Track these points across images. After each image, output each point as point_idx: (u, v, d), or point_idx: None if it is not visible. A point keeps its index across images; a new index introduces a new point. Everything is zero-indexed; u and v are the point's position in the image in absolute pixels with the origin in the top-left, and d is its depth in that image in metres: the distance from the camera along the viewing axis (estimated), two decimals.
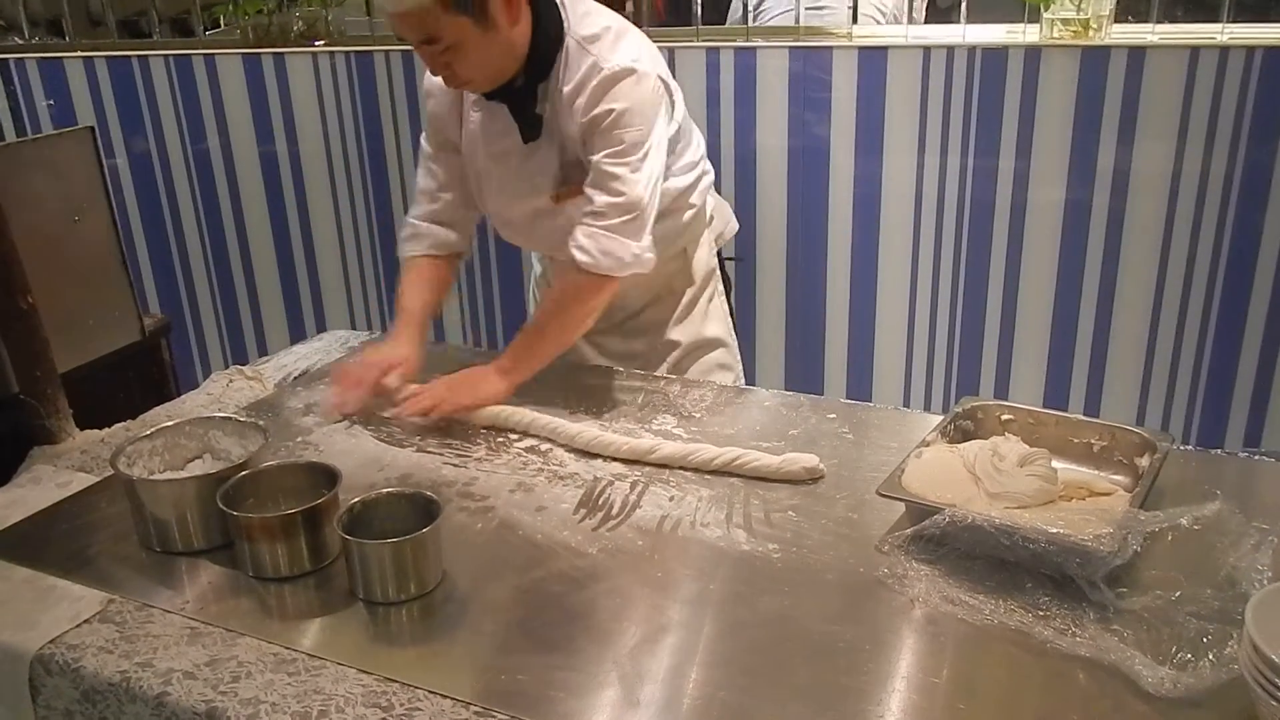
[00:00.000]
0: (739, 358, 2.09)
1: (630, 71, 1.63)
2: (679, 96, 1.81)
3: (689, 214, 1.90)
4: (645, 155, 1.65)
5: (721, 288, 2.06)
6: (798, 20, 2.80)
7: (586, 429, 1.56)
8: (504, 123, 1.73)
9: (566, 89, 1.65)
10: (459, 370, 1.70)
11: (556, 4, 1.67)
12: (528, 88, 1.68)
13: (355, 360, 1.80)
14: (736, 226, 2.14)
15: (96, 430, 1.71)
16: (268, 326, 3.49)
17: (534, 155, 1.73)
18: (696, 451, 1.48)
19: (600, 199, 1.65)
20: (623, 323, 1.97)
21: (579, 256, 1.66)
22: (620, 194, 1.64)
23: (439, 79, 1.77)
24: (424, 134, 1.89)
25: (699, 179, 1.90)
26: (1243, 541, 1.21)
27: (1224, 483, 1.38)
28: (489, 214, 1.88)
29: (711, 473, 1.47)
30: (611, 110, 1.62)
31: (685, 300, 1.97)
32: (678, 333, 1.97)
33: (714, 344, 2.01)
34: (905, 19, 2.73)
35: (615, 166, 1.64)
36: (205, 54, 3.20)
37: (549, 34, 1.65)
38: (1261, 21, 2.55)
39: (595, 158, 1.65)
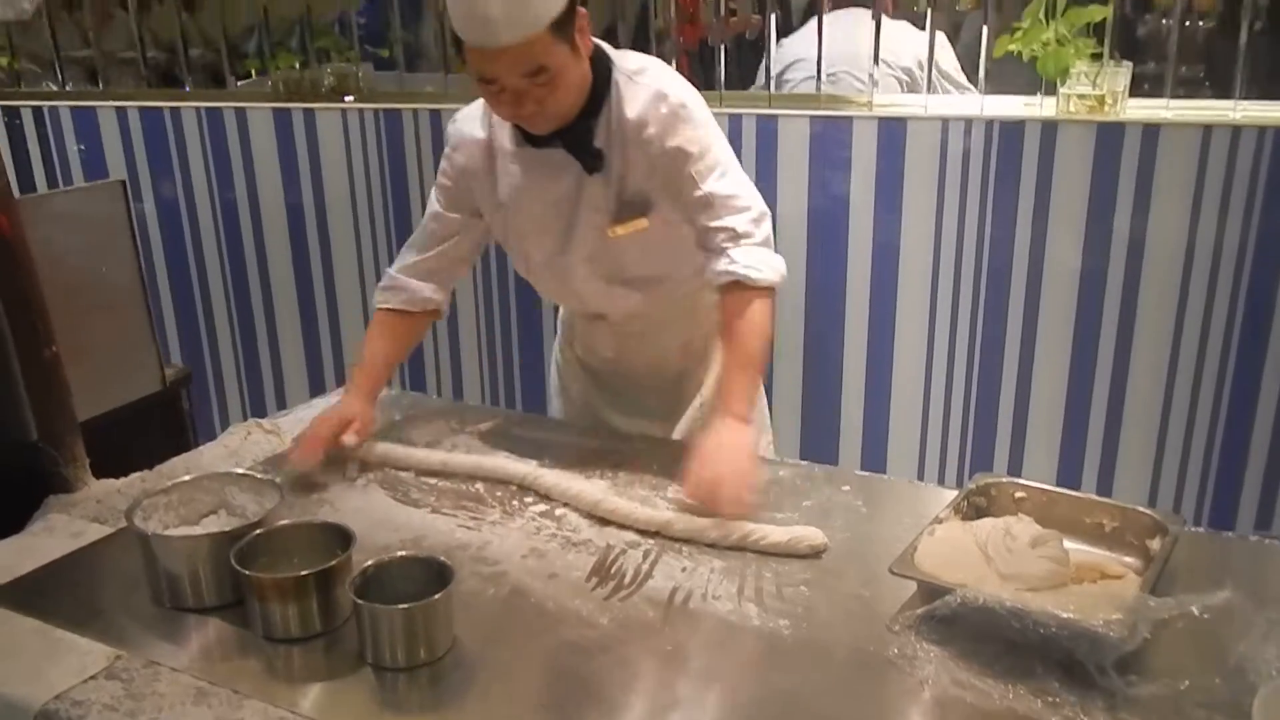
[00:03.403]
0: (769, 423, 2.05)
1: (691, 98, 1.67)
2: None
3: None
4: (738, 168, 1.70)
5: None
6: (819, 82, 2.81)
7: (591, 490, 1.56)
8: (553, 165, 1.72)
9: (631, 119, 1.65)
10: (706, 446, 1.56)
11: (597, 45, 1.70)
12: (582, 123, 1.68)
13: (315, 418, 1.76)
14: None
15: (113, 480, 1.72)
16: (287, 379, 3.52)
17: (589, 192, 1.72)
18: (705, 530, 1.47)
19: (737, 222, 1.65)
20: (659, 387, 1.95)
21: (750, 274, 1.63)
22: (746, 208, 1.66)
23: (471, 133, 1.79)
24: (434, 191, 1.87)
25: None
26: (1252, 630, 1.20)
27: (1234, 567, 1.38)
28: (534, 267, 1.85)
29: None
30: (693, 139, 1.65)
31: (717, 355, 1.91)
32: (711, 391, 1.92)
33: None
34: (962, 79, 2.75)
35: (729, 187, 1.66)
36: (236, 106, 3.27)
37: (601, 69, 1.68)
38: (1274, 99, 2.56)
39: (704, 188, 1.65)
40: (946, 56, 2.86)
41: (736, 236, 1.66)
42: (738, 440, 1.56)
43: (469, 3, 1.50)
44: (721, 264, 1.66)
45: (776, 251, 1.71)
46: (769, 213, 1.70)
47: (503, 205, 1.79)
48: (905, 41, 2.82)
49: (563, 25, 1.54)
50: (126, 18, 3.41)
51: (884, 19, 2.73)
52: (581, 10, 1.60)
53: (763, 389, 1.99)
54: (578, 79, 1.62)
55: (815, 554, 1.44)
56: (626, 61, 1.71)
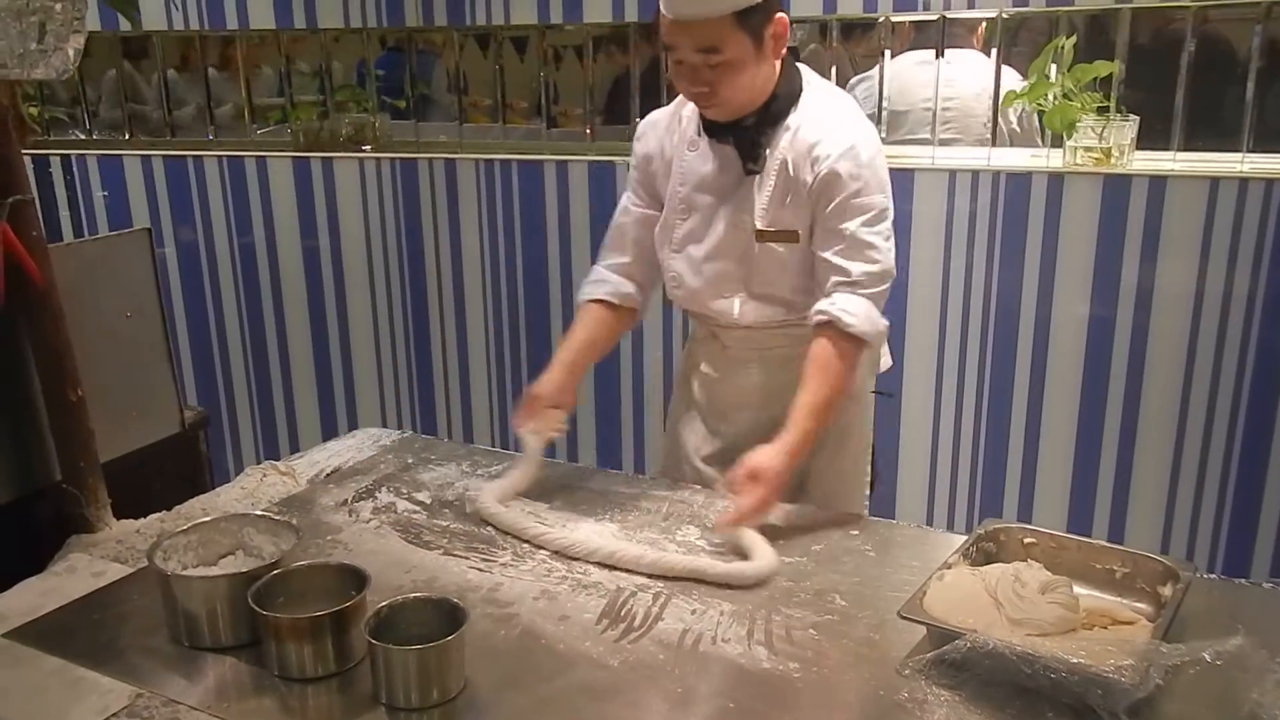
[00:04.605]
0: (867, 478, 2.00)
1: (874, 140, 1.71)
2: None
3: None
4: (890, 225, 1.71)
5: (871, 416, 1.99)
6: (881, 104, 2.79)
7: (600, 540, 1.58)
8: (722, 160, 1.77)
9: (809, 139, 1.70)
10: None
11: (796, 64, 1.76)
12: (759, 128, 1.73)
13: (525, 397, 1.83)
14: (890, 363, 2.07)
15: (133, 520, 1.75)
16: (301, 421, 3.56)
17: (746, 194, 1.75)
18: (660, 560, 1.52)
19: (857, 268, 1.68)
20: (758, 429, 1.86)
21: (844, 319, 1.66)
22: (876, 261, 1.68)
23: (654, 120, 1.87)
24: (627, 193, 1.93)
25: None
26: (1265, 678, 1.21)
27: (1247, 614, 1.37)
28: (676, 259, 1.85)
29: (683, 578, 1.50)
30: (858, 175, 1.66)
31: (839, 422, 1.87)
32: (818, 457, 1.86)
33: (855, 474, 1.95)
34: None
35: (870, 234, 1.68)
36: (257, 156, 3.34)
37: (791, 84, 1.73)
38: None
39: (848, 226, 1.67)
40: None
41: (850, 283, 1.68)
42: (776, 470, 1.60)
43: None
44: (823, 303, 1.69)
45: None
46: (894, 276, 1.72)
47: (674, 188, 1.84)
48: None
49: (749, 17, 1.61)
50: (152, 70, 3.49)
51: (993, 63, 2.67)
52: (781, 16, 1.66)
53: (864, 473, 1.97)
54: (756, 77, 1.67)
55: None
56: (824, 89, 1.77)
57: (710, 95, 1.67)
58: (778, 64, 1.71)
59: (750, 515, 1.58)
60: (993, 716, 1.18)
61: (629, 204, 1.93)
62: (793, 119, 1.73)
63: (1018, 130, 2.76)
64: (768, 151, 1.73)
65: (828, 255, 1.70)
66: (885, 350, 2.03)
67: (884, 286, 1.71)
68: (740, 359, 1.91)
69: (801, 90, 1.75)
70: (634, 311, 1.94)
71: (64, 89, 3.59)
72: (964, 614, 1.30)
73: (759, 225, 1.75)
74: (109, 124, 3.60)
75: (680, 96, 1.82)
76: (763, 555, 1.53)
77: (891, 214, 1.72)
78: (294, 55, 3.37)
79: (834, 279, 1.69)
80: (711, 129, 1.78)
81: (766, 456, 1.60)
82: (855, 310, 1.66)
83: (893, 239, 1.71)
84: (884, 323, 1.71)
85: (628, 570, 1.52)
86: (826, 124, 1.70)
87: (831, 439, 1.88)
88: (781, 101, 1.73)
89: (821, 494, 1.90)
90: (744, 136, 1.74)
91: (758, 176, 1.74)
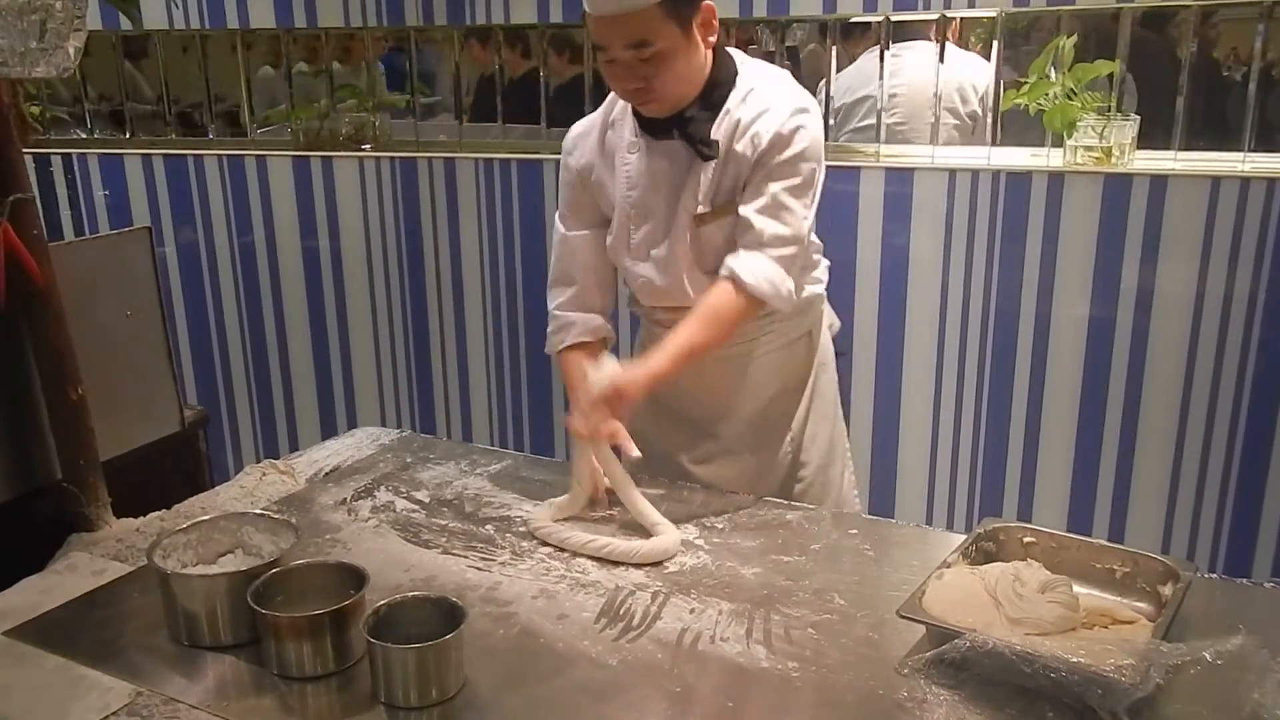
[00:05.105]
0: (850, 458, 2.04)
1: (813, 111, 1.72)
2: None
3: (810, 289, 1.89)
4: (813, 197, 1.73)
5: (836, 378, 2.03)
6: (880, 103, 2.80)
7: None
8: (669, 155, 1.76)
9: (745, 117, 1.70)
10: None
11: (727, 49, 1.76)
12: (700, 115, 1.72)
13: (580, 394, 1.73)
14: (839, 324, 2.11)
15: (133, 519, 1.75)
16: (301, 420, 3.56)
17: (693, 181, 1.75)
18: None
19: (770, 229, 1.69)
20: (751, 420, 1.91)
21: (744, 276, 1.68)
22: (788, 225, 1.69)
23: (583, 131, 1.85)
24: (559, 214, 1.91)
25: (818, 260, 1.93)
26: (1266, 678, 1.20)
27: (1249, 614, 1.37)
28: (641, 265, 1.83)
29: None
30: (794, 142, 1.68)
31: (809, 390, 1.93)
32: (808, 428, 1.93)
33: (837, 436, 1.99)
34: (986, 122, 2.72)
35: (790, 199, 1.69)
36: (257, 155, 3.34)
37: (726, 70, 1.74)
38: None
39: (772, 186, 1.69)
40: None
41: (760, 243, 1.70)
42: (638, 398, 1.65)
43: None
44: (730, 258, 1.71)
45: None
46: (804, 246, 1.74)
47: (623, 193, 1.82)
48: (978, 79, 2.72)
49: (676, 6, 1.60)
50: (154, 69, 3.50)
51: (959, 52, 2.70)
52: (708, 4, 1.65)
53: (844, 431, 2.01)
54: (689, 67, 1.67)
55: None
56: (757, 68, 1.77)
57: (646, 91, 1.67)
58: (709, 53, 1.71)
59: (601, 431, 1.63)
60: (992, 716, 1.18)
61: (566, 232, 1.89)
62: (731, 101, 1.73)
63: (978, 112, 2.75)
64: (716, 138, 1.73)
65: (745, 211, 1.71)
66: (827, 310, 2.04)
67: (791, 250, 1.71)
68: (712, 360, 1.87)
69: (737, 73, 1.75)
70: (607, 340, 1.92)
71: (65, 87, 3.59)
72: (963, 613, 1.29)
73: (699, 210, 1.75)
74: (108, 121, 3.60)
75: (605, 103, 1.82)
76: (666, 531, 1.59)
77: (818, 186, 1.74)
78: (294, 55, 3.37)
79: (746, 236, 1.71)
80: (650, 127, 1.76)
81: (631, 381, 1.64)
82: (757, 269, 1.69)
83: (813, 209, 1.74)
84: (787, 286, 1.72)
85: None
86: (765, 98, 1.71)
87: (802, 409, 1.92)
88: (721, 88, 1.73)
89: (817, 463, 1.93)
90: (689, 127, 1.73)
91: (707, 162, 1.74)
